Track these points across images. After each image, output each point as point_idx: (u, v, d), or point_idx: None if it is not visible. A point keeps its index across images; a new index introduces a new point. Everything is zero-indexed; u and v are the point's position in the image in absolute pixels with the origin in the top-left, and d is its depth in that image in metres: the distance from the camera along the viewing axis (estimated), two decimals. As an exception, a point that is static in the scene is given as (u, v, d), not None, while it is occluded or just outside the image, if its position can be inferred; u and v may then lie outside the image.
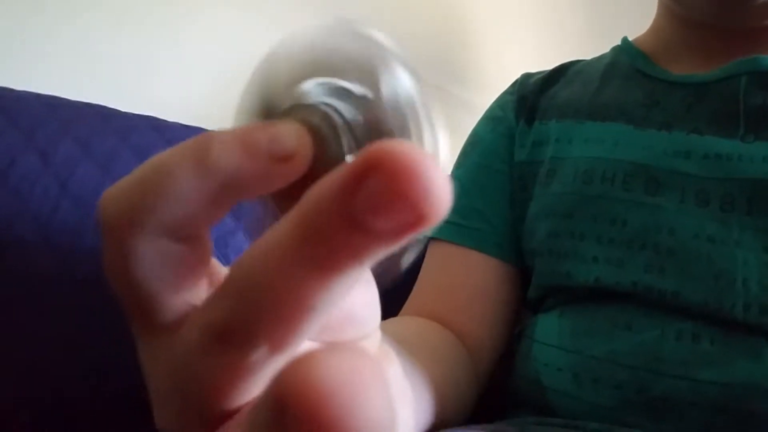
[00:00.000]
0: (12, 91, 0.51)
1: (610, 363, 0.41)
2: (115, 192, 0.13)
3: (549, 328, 0.45)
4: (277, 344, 0.12)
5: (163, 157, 0.13)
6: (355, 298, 0.15)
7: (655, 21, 0.57)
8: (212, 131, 0.13)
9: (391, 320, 0.47)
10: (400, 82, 0.13)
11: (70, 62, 0.68)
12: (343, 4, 0.90)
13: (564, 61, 0.60)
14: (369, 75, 0.13)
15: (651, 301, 0.41)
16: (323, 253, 0.11)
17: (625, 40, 0.56)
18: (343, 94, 0.13)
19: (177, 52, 0.75)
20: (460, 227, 0.52)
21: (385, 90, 0.13)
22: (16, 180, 0.46)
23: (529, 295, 0.50)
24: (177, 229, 0.13)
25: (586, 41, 1.18)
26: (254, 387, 0.13)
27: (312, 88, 0.13)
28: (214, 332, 0.12)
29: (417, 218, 0.10)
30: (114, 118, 0.53)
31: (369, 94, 0.13)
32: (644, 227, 0.42)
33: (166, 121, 0.57)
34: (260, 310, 0.12)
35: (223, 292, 0.12)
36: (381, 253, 0.11)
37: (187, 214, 0.13)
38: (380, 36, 0.13)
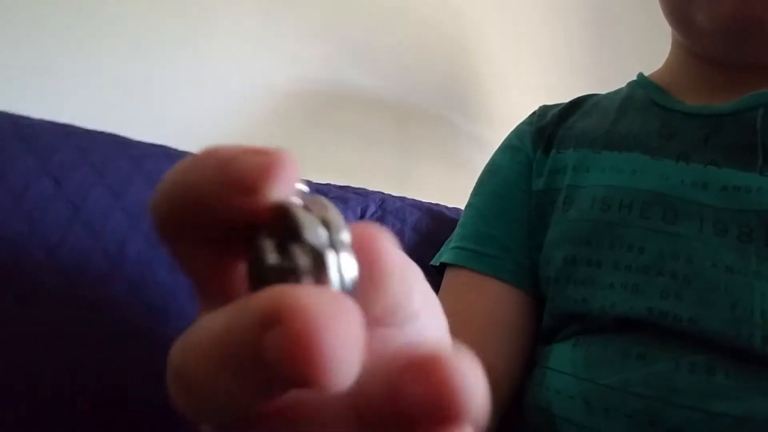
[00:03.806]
0: (30, 119, 0.52)
1: (622, 392, 0.40)
2: None
3: (563, 356, 0.45)
4: None
5: None
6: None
7: (669, 57, 0.58)
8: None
9: None
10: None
11: (85, 90, 0.69)
12: (353, 38, 0.92)
13: (570, 95, 0.61)
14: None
15: (666, 328, 0.40)
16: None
17: (641, 75, 0.58)
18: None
19: (190, 83, 0.77)
20: (477, 254, 0.52)
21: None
22: (30, 205, 0.47)
23: (543, 324, 0.50)
24: None
25: (591, 76, 1.20)
26: None
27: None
28: None
29: (311, 382, 0.11)
30: (128, 146, 0.54)
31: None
32: (661, 254, 0.42)
33: (178, 150, 0.58)
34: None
35: None
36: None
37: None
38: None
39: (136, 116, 0.72)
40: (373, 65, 0.94)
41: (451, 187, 0.97)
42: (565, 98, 0.61)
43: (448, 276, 0.54)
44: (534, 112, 0.61)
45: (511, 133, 0.61)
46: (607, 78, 1.20)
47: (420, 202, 0.71)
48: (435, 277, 0.55)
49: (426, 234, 0.67)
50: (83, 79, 0.69)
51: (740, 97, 0.47)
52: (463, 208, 0.76)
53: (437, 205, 0.73)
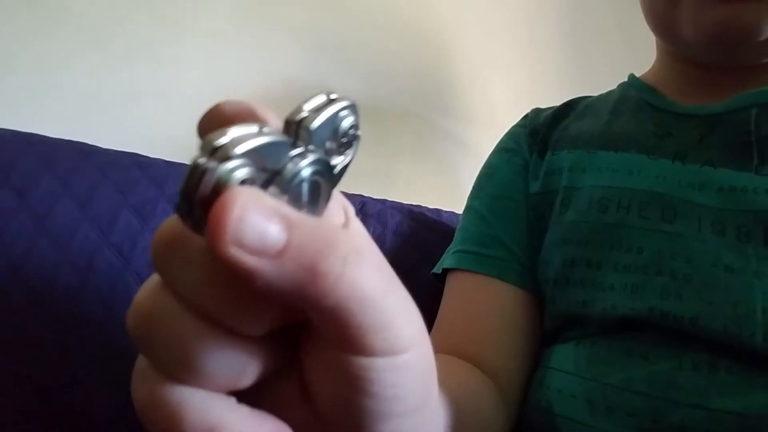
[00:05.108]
0: (-11, 128, 0.50)
1: (625, 391, 0.39)
2: None
3: (565, 356, 0.44)
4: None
5: None
6: None
7: (657, 59, 0.58)
8: None
9: None
10: None
11: (51, 99, 0.67)
12: (328, 39, 0.90)
13: (549, 91, 0.61)
14: None
15: (668, 328, 0.40)
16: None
17: (632, 76, 0.58)
18: None
19: (159, 87, 0.74)
20: (480, 256, 0.51)
21: None
22: (-8, 219, 0.45)
23: (544, 327, 0.49)
24: None
25: (571, 76, 1.20)
26: None
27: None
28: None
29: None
30: (95, 155, 0.52)
31: None
32: (660, 254, 0.42)
33: (148, 157, 0.55)
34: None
35: None
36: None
37: None
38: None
39: (104, 124, 0.69)
40: (348, 65, 0.93)
41: (431, 185, 0.96)
42: (544, 93, 0.61)
43: (452, 281, 0.53)
44: (526, 115, 0.60)
45: (505, 135, 0.60)
46: (586, 74, 1.21)
47: (401, 204, 0.70)
48: (436, 285, 0.54)
49: (407, 236, 0.66)
50: (47, 86, 0.66)
51: (732, 97, 0.47)
52: (443, 208, 0.75)
53: (418, 206, 0.72)
